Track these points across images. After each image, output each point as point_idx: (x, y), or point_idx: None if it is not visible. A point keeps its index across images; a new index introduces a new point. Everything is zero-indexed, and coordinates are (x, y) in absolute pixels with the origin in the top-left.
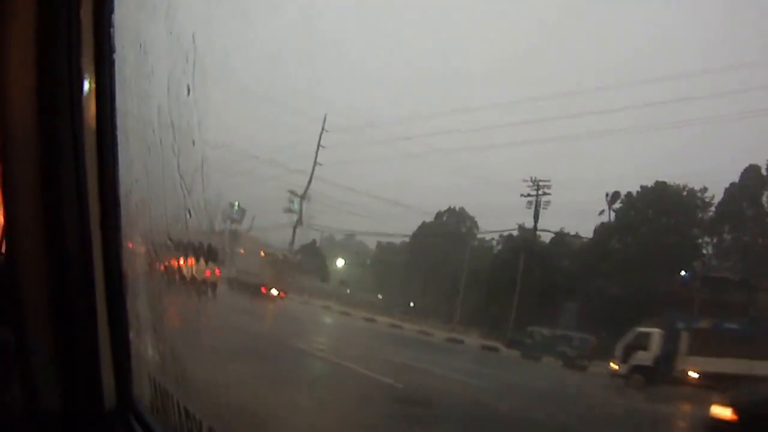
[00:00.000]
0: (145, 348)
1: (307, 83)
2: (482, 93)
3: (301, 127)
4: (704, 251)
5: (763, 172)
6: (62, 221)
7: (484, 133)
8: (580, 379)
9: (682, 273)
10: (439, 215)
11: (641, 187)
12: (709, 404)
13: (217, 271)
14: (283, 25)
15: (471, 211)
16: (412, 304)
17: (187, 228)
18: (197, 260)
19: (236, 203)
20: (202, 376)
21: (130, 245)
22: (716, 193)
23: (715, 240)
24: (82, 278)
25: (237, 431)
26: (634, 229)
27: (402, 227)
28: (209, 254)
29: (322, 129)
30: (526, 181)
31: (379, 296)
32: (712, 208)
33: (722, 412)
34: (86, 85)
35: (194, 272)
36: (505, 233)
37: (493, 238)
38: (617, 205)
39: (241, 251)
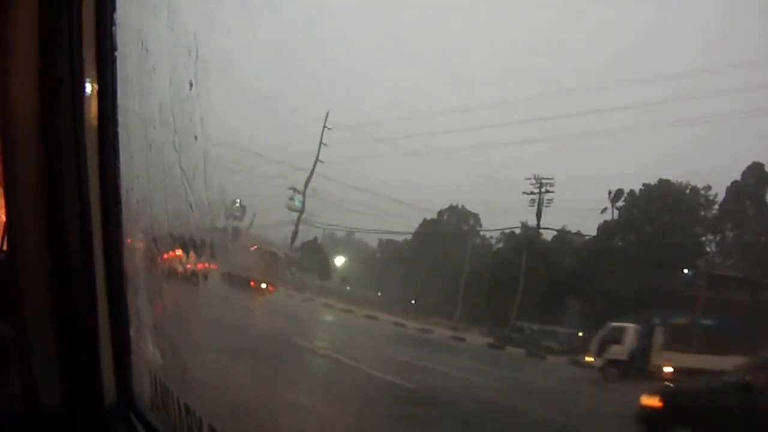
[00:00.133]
0: (146, 344)
1: (309, 81)
2: (483, 91)
3: (304, 125)
4: (708, 249)
5: (767, 169)
6: (63, 218)
7: (485, 132)
8: (563, 372)
9: (686, 271)
10: (440, 213)
11: (644, 185)
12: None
13: (210, 265)
14: (284, 23)
15: (472, 209)
16: (413, 302)
17: (187, 224)
18: (194, 255)
19: (237, 200)
20: (203, 373)
21: (131, 242)
22: (719, 191)
23: (718, 238)
24: (83, 275)
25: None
26: (637, 228)
27: (404, 225)
28: (205, 250)
29: (324, 127)
30: (529, 178)
31: (379, 294)
32: (716, 207)
33: (650, 400)
34: (88, 83)
35: (190, 266)
36: (507, 231)
37: (492, 237)
38: (620, 203)
39: (237, 247)
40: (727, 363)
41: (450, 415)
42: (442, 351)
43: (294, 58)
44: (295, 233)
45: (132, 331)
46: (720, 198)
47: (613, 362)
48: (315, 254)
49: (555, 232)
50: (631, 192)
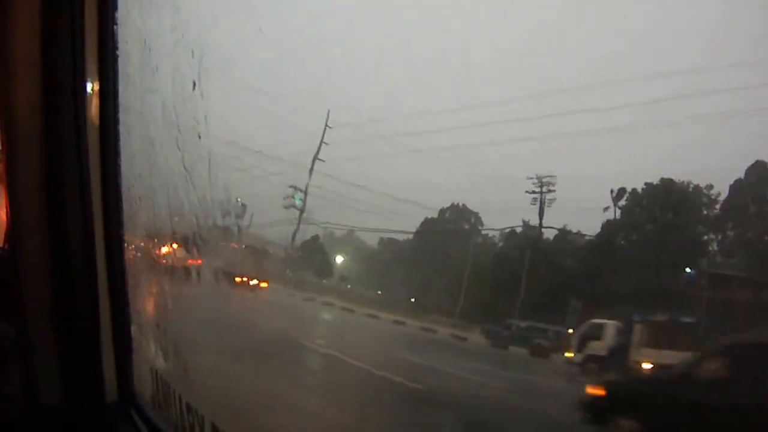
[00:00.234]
0: (147, 341)
1: (310, 80)
2: (484, 90)
3: (304, 124)
4: (710, 248)
5: None
6: (65, 217)
7: (486, 130)
8: (549, 367)
9: (688, 270)
10: (442, 212)
11: (646, 183)
12: None
13: (208, 262)
14: (286, 23)
15: (474, 207)
16: (413, 300)
17: (188, 223)
18: (192, 252)
19: (238, 199)
20: (204, 371)
21: (132, 240)
22: (722, 190)
23: (719, 237)
24: (85, 273)
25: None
26: (639, 227)
27: (405, 224)
28: (204, 248)
29: (325, 125)
30: (531, 177)
31: (379, 292)
32: (717, 206)
33: (595, 389)
34: (90, 82)
35: (190, 261)
36: (507, 230)
37: (494, 236)
38: (622, 202)
39: (233, 245)
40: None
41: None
42: (447, 350)
43: (295, 57)
44: (296, 232)
45: (133, 329)
46: (722, 197)
47: (592, 358)
48: (315, 253)
49: (557, 231)
50: (634, 191)
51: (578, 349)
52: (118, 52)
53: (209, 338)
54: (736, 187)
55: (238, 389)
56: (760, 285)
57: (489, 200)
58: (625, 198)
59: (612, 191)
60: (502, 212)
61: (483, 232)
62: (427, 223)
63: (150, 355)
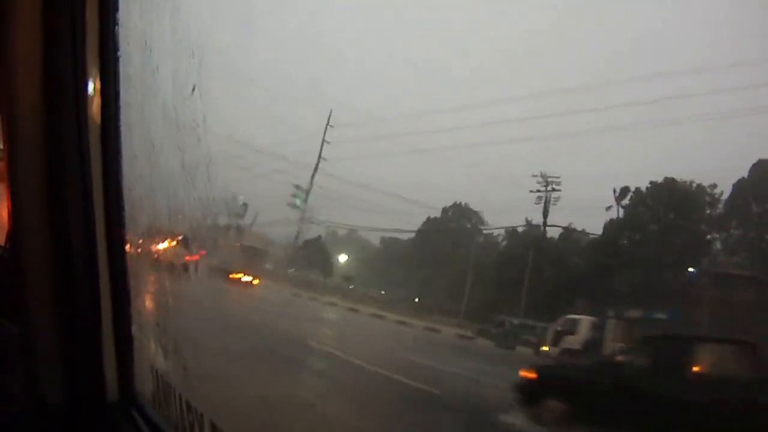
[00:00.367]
0: (147, 340)
1: (312, 80)
2: (487, 89)
3: (308, 124)
4: (712, 247)
5: None
6: (67, 216)
7: (488, 130)
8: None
9: (690, 270)
10: (444, 211)
11: (650, 182)
12: None
13: (205, 260)
14: (287, 24)
15: (476, 207)
16: (416, 300)
17: (188, 222)
18: (190, 250)
19: (240, 198)
20: (203, 370)
21: (133, 239)
22: (725, 189)
23: (723, 236)
24: (86, 273)
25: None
26: (643, 226)
27: (407, 223)
28: (202, 246)
29: (327, 125)
30: (536, 176)
31: (382, 292)
32: (720, 205)
33: (527, 373)
34: (91, 83)
35: (188, 257)
36: (510, 229)
37: (497, 234)
38: (626, 201)
39: (230, 244)
40: None
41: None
42: (456, 351)
43: (298, 57)
44: (299, 231)
45: (134, 328)
46: (725, 196)
47: (567, 352)
48: (318, 252)
49: (561, 230)
50: (637, 190)
51: (554, 343)
52: (119, 53)
53: (208, 336)
54: (739, 187)
55: (237, 389)
56: (763, 283)
57: (491, 199)
58: (628, 197)
59: (615, 190)
60: (504, 211)
61: (485, 231)
62: (430, 222)
63: (150, 353)
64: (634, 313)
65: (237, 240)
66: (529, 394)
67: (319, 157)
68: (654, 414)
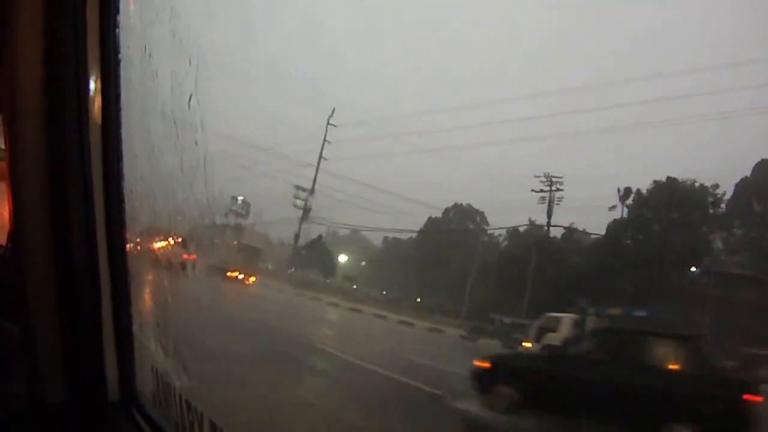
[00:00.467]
0: (148, 339)
1: (313, 80)
2: (488, 89)
3: (309, 123)
4: (714, 247)
5: None
6: (68, 217)
7: (490, 130)
8: None
9: (693, 269)
10: (446, 211)
11: (654, 182)
12: None
13: (193, 256)
14: (287, 26)
15: (478, 206)
16: (418, 300)
17: (187, 223)
18: (188, 249)
19: (241, 198)
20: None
21: (134, 240)
22: (727, 188)
23: (725, 236)
24: (87, 273)
25: None
26: (646, 226)
27: (409, 223)
28: (201, 245)
29: (328, 124)
30: (539, 176)
31: (384, 292)
32: (723, 204)
33: (481, 362)
34: (92, 85)
35: (185, 255)
36: (511, 229)
37: (499, 234)
38: (629, 201)
39: (226, 243)
40: None
41: None
42: (458, 351)
43: (297, 59)
44: (300, 230)
45: (135, 327)
46: (728, 196)
47: (548, 347)
48: (320, 252)
49: (563, 230)
50: (639, 190)
51: (536, 340)
52: (119, 56)
53: (208, 336)
54: (742, 186)
55: (237, 389)
56: (764, 283)
57: (493, 199)
58: (631, 197)
59: (619, 190)
60: (506, 211)
61: (488, 231)
62: (431, 222)
63: (150, 351)
64: (614, 311)
65: (235, 239)
66: (483, 382)
67: (320, 156)
68: (593, 399)
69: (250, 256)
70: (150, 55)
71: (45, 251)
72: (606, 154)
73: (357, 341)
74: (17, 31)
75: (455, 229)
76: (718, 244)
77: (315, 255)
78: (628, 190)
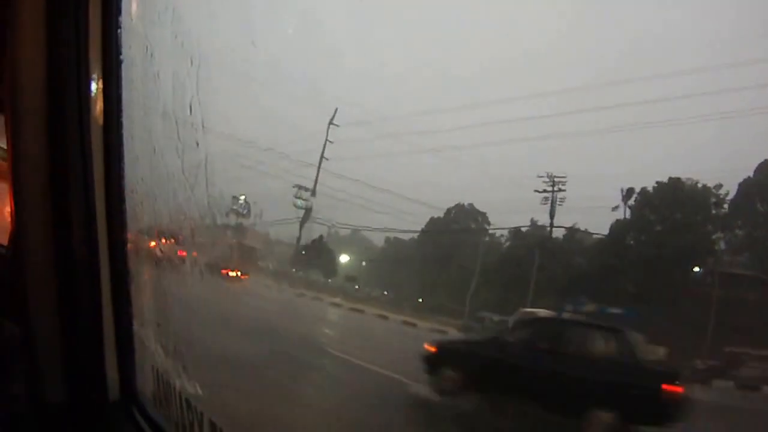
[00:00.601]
0: (148, 339)
1: (314, 80)
2: (490, 89)
3: (308, 123)
4: (717, 247)
5: None
6: (69, 217)
7: (492, 130)
8: None
9: (696, 269)
10: (448, 211)
11: (657, 182)
12: None
13: (201, 257)
14: (287, 27)
15: (480, 207)
16: (420, 300)
17: (187, 223)
18: (187, 248)
19: (242, 197)
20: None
21: (134, 240)
22: (730, 189)
23: (728, 236)
24: (88, 273)
25: None
26: (648, 227)
27: (410, 223)
28: (199, 245)
29: (330, 124)
30: (542, 176)
31: (385, 293)
32: (726, 205)
33: (429, 347)
34: (93, 86)
35: (181, 252)
36: (513, 230)
37: (501, 235)
38: (632, 201)
39: (223, 241)
40: None
41: None
42: None
43: (297, 60)
44: (301, 230)
45: (135, 327)
46: (731, 196)
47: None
48: (321, 252)
49: (565, 230)
50: (642, 190)
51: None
52: (121, 57)
53: (207, 336)
54: (745, 186)
55: (238, 388)
56: (766, 284)
57: (495, 199)
58: (633, 198)
59: (622, 190)
60: (507, 212)
61: (490, 231)
62: (433, 222)
63: (150, 350)
64: (589, 308)
65: (233, 238)
66: (431, 365)
67: (322, 156)
68: (526, 384)
69: (247, 256)
70: (151, 56)
71: (46, 251)
72: (607, 154)
73: (358, 342)
74: (19, 31)
75: (457, 230)
76: (722, 244)
77: (316, 255)
78: (630, 191)
